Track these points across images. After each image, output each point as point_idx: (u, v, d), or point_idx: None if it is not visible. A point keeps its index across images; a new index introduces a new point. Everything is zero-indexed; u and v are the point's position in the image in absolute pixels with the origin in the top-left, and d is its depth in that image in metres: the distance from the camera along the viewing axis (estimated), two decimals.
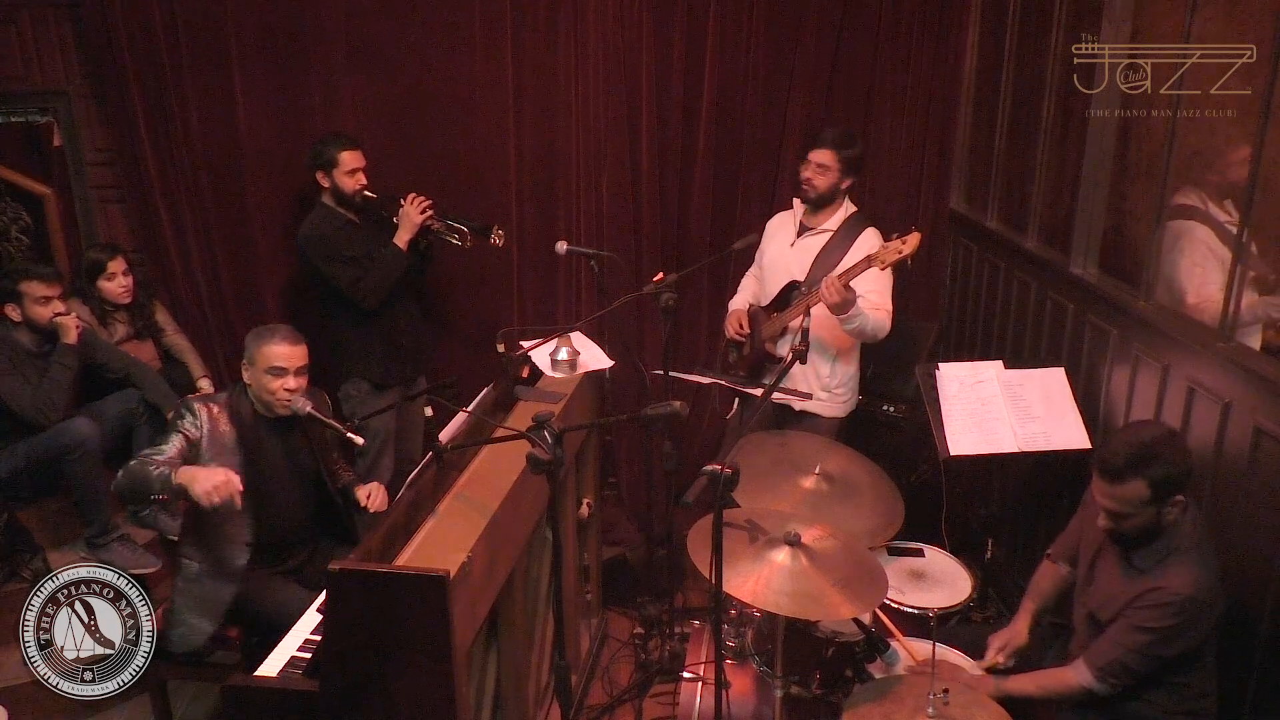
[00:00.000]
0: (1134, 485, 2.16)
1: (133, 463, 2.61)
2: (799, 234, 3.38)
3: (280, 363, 2.73)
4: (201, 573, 2.77)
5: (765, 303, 3.47)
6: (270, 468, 2.84)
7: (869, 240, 3.25)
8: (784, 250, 3.39)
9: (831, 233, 3.31)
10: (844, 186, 3.30)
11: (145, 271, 3.90)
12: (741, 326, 3.45)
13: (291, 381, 2.75)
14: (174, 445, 2.67)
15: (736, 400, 3.50)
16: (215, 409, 2.76)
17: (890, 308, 3.23)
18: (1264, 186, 2.43)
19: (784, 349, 3.38)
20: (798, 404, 3.30)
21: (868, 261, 2.98)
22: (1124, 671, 2.24)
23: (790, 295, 3.34)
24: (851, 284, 3.04)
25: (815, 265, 3.30)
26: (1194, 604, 2.15)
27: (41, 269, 3.44)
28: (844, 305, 3.03)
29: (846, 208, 3.35)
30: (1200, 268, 2.72)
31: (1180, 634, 2.17)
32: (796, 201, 3.45)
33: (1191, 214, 2.74)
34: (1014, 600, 3.57)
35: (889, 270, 3.10)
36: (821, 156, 3.26)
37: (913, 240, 2.92)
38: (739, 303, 3.58)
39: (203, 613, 2.76)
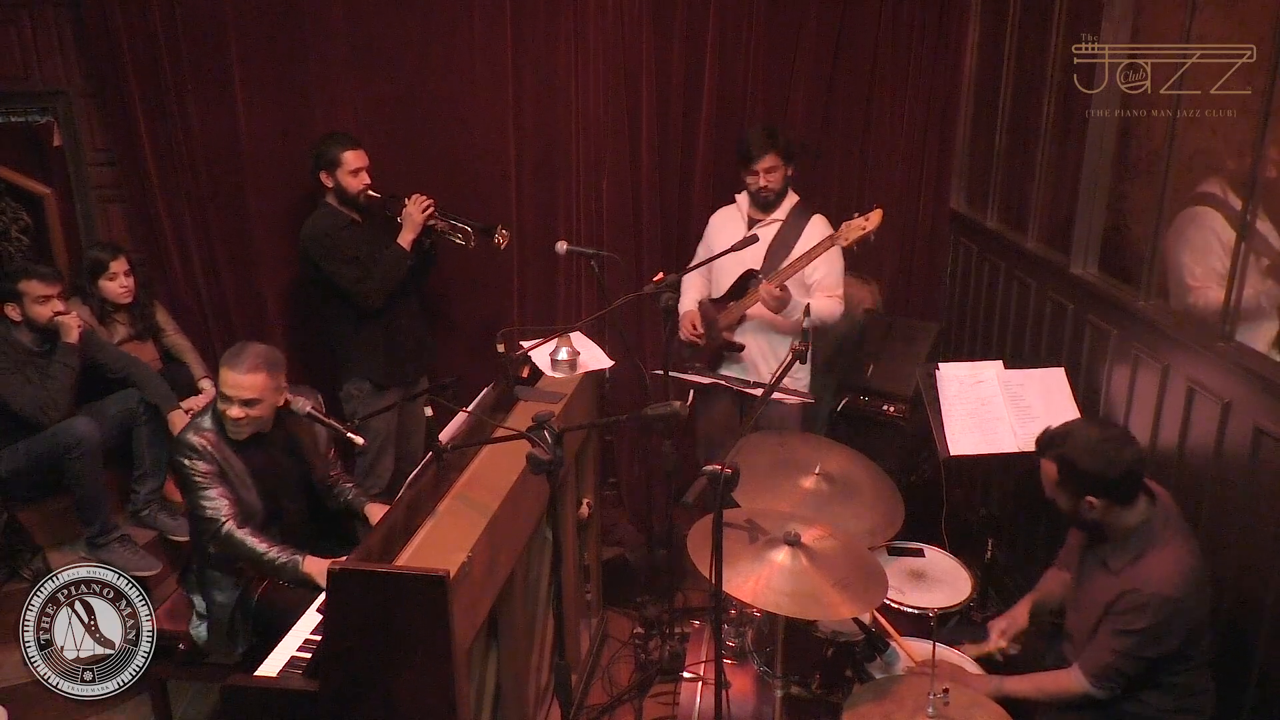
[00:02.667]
0: (1047, 463, 2.32)
1: (224, 532, 2.64)
2: (749, 226, 3.47)
3: (227, 390, 2.67)
4: (232, 600, 2.77)
5: (717, 295, 3.54)
6: (270, 482, 2.83)
7: (818, 226, 3.42)
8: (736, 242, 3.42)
9: (781, 221, 3.44)
10: (789, 175, 3.45)
11: (145, 272, 3.90)
12: (695, 328, 3.54)
13: (235, 410, 2.67)
14: (219, 499, 2.66)
15: (691, 392, 3.53)
16: (210, 437, 2.71)
17: (841, 293, 3.43)
18: (1273, 188, 2.43)
19: (741, 337, 3.49)
20: (787, 400, 3.33)
21: (830, 240, 3.13)
22: (1117, 675, 2.25)
23: (748, 283, 3.42)
24: (805, 270, 3.25)
25: (770, 254, 3.40)
26: (1170, 602, 2.16)
27: (41, 269, 3.43)
28: (780, 305, 3.22)
29: (791, 196, 3.49)
30: (1202, 254, 2.72)
31: (1162, 633, 2.18)
32: (740, 197, 3.57)
33: (1207, 200, 2.73)
34: (1014, 600, 3.58)
35: (840, 256, 3.32)
36: (768, 161, 3.38)
37: (875, 217, 3.04)
38: (688, 304, 3.63)
39: (241, 635, 2.79)
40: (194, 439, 2.69)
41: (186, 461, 2.67)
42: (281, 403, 2.80)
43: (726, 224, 3.55)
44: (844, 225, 3.13)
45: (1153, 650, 2.20)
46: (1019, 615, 2.66)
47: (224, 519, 2.65)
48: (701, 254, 3.65)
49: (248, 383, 2.66)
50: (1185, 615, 2.18)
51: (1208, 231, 2.68)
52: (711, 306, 3.53)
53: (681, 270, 3.32)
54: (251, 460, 2.77)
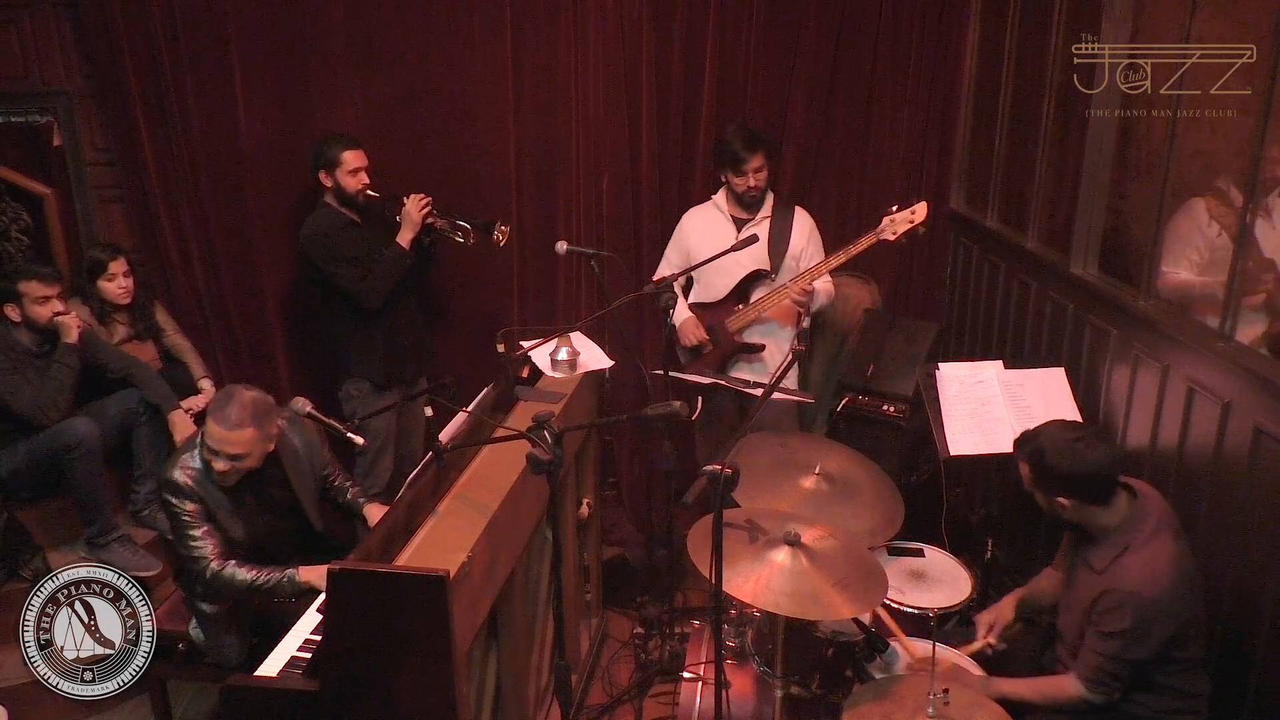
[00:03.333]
0: (1020, 462, 2.36)
1: (210, 573, 2.61)
2: (736, 226, 3.50)
3: (213, 444, 2.62)
4: (218, 614, 2.75)
5: (712, 298, 3.54)
6: (258, 514, 2.80)
7: (804, 219, 3.53)
8: (727, 245, 3.41)
9: (768, 218, 3.49)
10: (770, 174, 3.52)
11: (145, 272, 3.90)
12: (697, 328, 3.56)
13: (221, 464, 2.62)
14: (204, 540, 2.63)
15: (700, 399, 3.54)
16: (195, 475, 2.66)
17: (829, 276, 3.52)
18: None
19: (755, 337, 3.52)
20: (787, 399, 3.34)
21: (874, 235, 3.20)
22: (1110, 678, 2.25)
23: (752, 285, 3.46)
24: (798, 260, 3.37)
25: (772, 251, 3.44)
26: (1150, 602, 2.16)
27: (40, 269, 3.43)
28: (810, 301, 3.33)
29: (768, 193, 3.54)
30: (1181, 242, 2.75)
31: (1146, 634, 2.18)
32: (717, 197, 3.59)
33: (1211, 193, 2.74)
34: None
35: (820, 241, 3.42)
36: (757, 161, 3.41)
37: (921, 209, 3.09)
38: (683, 312, 3.62)
39: (238, 642, 2.78)
40: (180, 477, 2.65)
41: (174, 500, 2.64)
42: (272, 448, 2.75)
43: (709, 225, 3.55)
44: (887, 219, 3.18)
45: (1136, 652, 2.20)
46: (1004, 609, 2.66)
47: (209, 559, 2.62)
48: (673, 256, 3.67)
49: (235, 438, 2.60)
50: (1167, 616, 2.17)
51: (1191, 222, 2.72)
52: (707, 311, 3.53)
53: (670, 275, 3.30)
54: (239, 497, 2.73)
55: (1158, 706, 2.28)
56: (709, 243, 3.45)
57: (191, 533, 2.64)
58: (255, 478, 2.76)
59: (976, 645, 2.60)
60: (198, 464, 2.68)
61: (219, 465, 2.63)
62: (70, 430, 3.33)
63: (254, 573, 2.64)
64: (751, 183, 3.41)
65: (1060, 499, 2.27)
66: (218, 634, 2.76)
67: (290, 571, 2.65)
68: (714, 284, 3.54)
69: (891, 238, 3.19)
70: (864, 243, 3.23)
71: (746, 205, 3.50)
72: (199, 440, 2.72)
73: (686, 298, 3.67)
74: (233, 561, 2.65)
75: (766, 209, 3.51)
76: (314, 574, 2.61)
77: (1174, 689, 2.27)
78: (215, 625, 2.75)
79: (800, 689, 2.61)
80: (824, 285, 3.46)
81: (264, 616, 2.78)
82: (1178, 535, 2.29)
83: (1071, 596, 2.42)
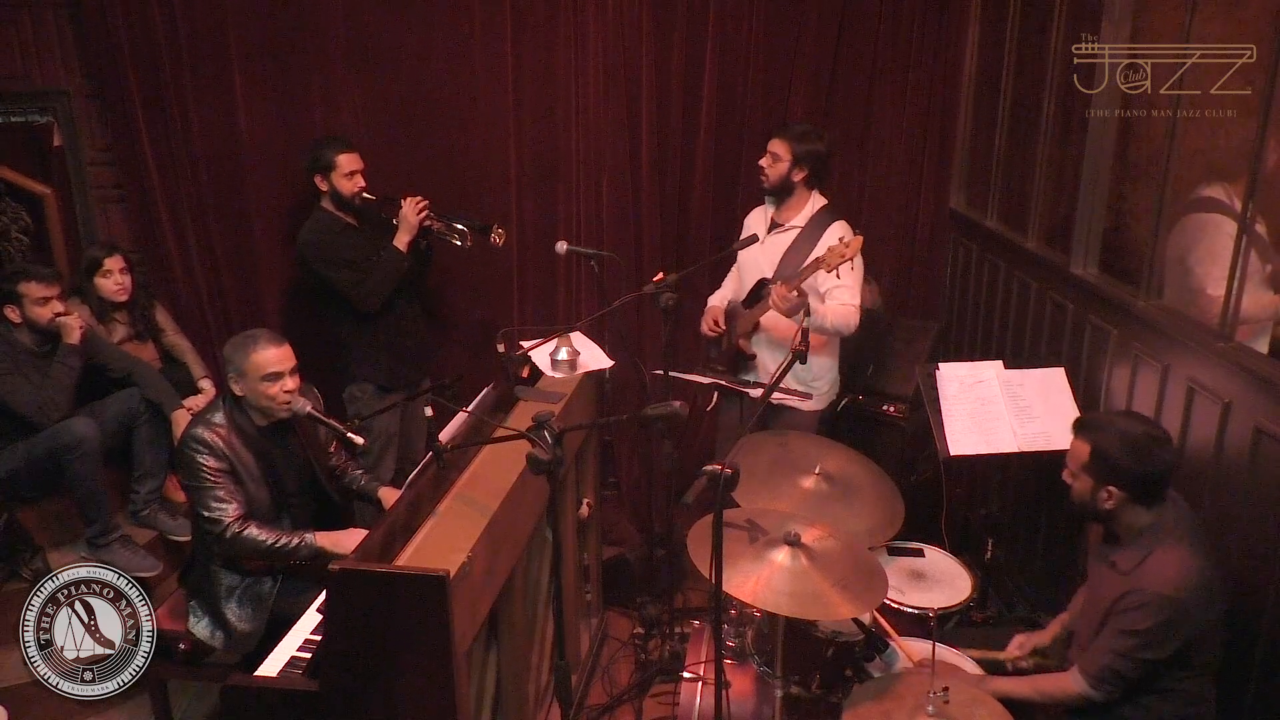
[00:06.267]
0: (1080, 443, 2.30)
1: (229, 534, 2.65)
2: (769, 230, 3.41)
3: (275, 367, 2.70)
4: (242, 580, 2.77)
5: (740, 299, 3.50)
6: (279, 475, 2.83)
7: (836, 233, 3.27)
8: (756, 247, 3.39)
9: (799, 229, 3.33)
10: (796, 179, 3.28)
11: (145, 272, 3.90)
12: (716, 323, 3.48)
13: (289, 382, 2.73)
14: (226, 501, 2.67)
15: (716, 394, 3.51)
16: (222, 432, 2.71)
17: (858, 302, 3.27)
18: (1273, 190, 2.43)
19: (755, 346, 3.43)
20: (786, 400, 3.31)
21: (815, 264, 3.02)
22: (1116, 677, 2.23)
23: (761, 292, 3.36)
24: (825, 279, 3.12)
25: (783, 262, 3.33)
26: (1173, 603, 2.14)
27: (40, 270, 3.43)
28: (793, 311, 3.09)
29: (814, 202, 3.35)
30: (1221, 260, 2.70)
31: (1165, 635, 2.16)
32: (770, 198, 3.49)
33: (1212, 206, 2.72)
34: (1014, 600, 3.58)
35: (856, 266, 3.15)
36: (776, 146, 3.26)
37: (855, 243, 2.96)
38: (718, 299, 3.60)
39: (254, 619, 2.77)
40: (205, 434, 2.69)
41: (199, 454, 2.67)
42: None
43: (754, 226, 3.46)
44: (827, 250, 3.01)
45: (1151, 653, 2.19)
46: (1045, 635, 2.63)
47: (228, 521, 2.65)
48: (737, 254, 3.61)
49: (288, 352, 2.75)
50: (1188, 619, 2.16)
51: (1225, 238, 2.64)
52: (737, 308, 3.50)
53: (681, 270, 3.30)
54: (263, 453, 2.79)
55: (1165, 711, 2.26)
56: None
57: (215, 492, 2.67)
58: (278, 435, 2.83)
59: (1002, 655, 2.58)
60: (221, 420, 2.74)
61: (289, 384, 2.73)
62: (70, 430, 3.33)
63: (272, 535, 2.68)
64: (761, 163, 3.29)
65: (1110, 488, 2.24)
66: (230, 616, 2.76)
67: (308, 536, 2.70)
68: (743, 285, 3.49)
69: (827, 270, 3.02)
70: (809, 269, 3.07)
71: (772, 200, 3.37)
72: (221, 401, 2.79)
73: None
74: (252, 524, 2.69)
75: (803, 217, 3.33)
76: (329, 539, 2.70)
77: (1184, 693, 2.25)
78: (224, 607, 2.76)
79: (800, 689, 2.60)
80: (836, 309, 3.19)
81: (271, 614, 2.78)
82: (1202, 540, 2.27)
83: (1091, 597, 2.41)
